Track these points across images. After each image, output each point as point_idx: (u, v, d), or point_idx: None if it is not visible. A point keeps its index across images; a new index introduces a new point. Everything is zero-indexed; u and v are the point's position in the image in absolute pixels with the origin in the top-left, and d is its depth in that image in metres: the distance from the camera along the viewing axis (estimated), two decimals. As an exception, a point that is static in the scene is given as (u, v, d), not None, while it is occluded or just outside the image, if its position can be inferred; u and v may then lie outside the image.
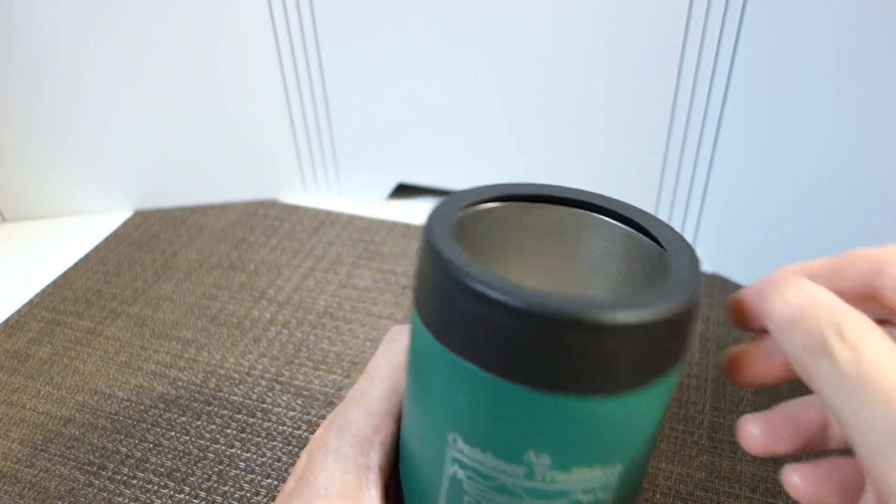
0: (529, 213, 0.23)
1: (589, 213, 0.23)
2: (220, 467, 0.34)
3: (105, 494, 0.33)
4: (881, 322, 0.19)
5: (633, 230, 0.22)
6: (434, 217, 0.20)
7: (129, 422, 0.37)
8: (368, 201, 0.55)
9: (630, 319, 0.16)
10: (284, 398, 0.38)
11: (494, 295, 0.17)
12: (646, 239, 0.22)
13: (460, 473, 0.20)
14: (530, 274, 0.24)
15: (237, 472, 0.34)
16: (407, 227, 0.52)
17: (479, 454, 0.19)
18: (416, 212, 0.54)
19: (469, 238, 0.21)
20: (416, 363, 0.21)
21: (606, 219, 0.23)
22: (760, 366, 0.21)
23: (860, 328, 0.16)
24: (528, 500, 0.19)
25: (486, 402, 0.18)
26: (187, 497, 0.33)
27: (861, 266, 0.19)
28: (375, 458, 0.23)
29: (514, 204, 0.23)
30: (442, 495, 0.21)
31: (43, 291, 0.47)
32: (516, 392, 0.17)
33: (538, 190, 0.23)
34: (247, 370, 0.40)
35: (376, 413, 0.24)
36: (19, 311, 0.45)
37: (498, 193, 0.22)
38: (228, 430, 0.36)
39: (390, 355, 0.25)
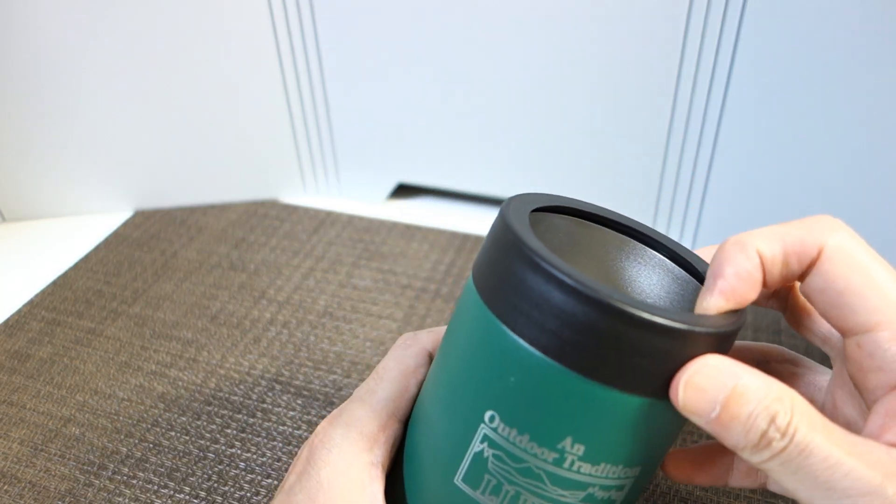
0: (587, 230, 0.24)
1: (640, 243, 0.24)
2: (220, 467, 0.34)
3: (105, 494, 0.33)
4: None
5: (676, 266, 0.23)
6: (511, 213, 0.20)
7: (129, 422, 0.37)
8: (368, 201, 0.55)
9: (702, 330, 0.18)
10: (284, 398, 0.38)
11: (578, 286, 0.17)
12: (687, 275, 0.23)
13: (488, 452, 0.20)
14: None
15: (237, 472, 0.34)
16: (407, 227, 0.52)
17: (514, 435, 0.19)
18: (416, 212, 0.54)
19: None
20: (464, 340, 0.21)
21: (655, 252, 0.24)
22: (702, 473, 0.25)
23: (787, 415, 0.17)
24: (549, 486, 0.20)
25: (540, 385, 0.19)
26: (187, 497, 0.33)
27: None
28: (379, 454, 0.23)
29: (575, 219, 0.23)
30: (460, 472, 0.21)
31: (43, 291, 0.47)
32: (575, 381, 0.18)
33: (598, 211, 0.24)
34: (247, 370, 0.40)
35: (382, 412, 0.24)
36: (19, 311, 0.45)
37: (561, 204, 0.23)
38: (228, 430, 0.36)
39: (400, 360, 0.25)
